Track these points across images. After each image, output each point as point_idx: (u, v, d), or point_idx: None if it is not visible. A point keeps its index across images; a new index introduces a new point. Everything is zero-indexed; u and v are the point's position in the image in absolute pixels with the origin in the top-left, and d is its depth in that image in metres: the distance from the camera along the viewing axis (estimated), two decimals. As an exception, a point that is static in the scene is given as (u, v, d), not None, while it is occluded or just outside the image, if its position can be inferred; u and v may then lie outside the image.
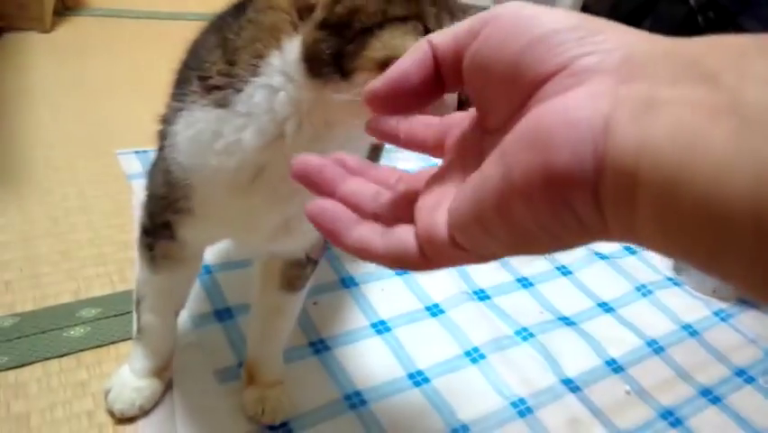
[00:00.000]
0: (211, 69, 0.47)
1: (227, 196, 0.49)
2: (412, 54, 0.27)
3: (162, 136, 0.53)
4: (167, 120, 0.52)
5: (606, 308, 0.95)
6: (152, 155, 0.57)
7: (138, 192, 0.95)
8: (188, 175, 0.50)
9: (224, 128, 0.46)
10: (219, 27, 0.49)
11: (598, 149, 0.19)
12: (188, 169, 0.50)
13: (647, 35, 0.21)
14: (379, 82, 0.27)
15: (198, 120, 0.48)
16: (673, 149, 0.17)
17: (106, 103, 1.22)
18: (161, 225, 0.56)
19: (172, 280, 0.62)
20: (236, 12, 0.49)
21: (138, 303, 0.64)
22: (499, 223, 0.22)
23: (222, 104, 0.46)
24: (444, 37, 0.26)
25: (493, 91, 0.24)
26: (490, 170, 0.22)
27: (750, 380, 0.87)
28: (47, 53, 1.35)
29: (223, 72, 0.46)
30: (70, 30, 1.49)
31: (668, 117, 0.18)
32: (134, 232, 0.88)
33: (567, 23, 0.22)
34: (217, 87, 0.46)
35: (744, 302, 1.03)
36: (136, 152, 1.06)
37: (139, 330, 0.65)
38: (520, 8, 0.23)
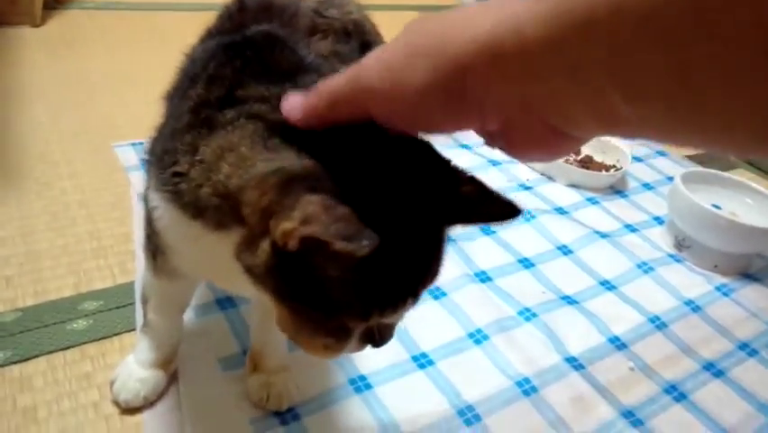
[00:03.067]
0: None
1: (199, 254, 0.48)
2: None
3: (146, 172, 0.52)
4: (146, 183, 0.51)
5: (608, 286, 0.95)
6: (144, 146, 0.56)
7: (136, 184, 0.95)
8: (163, 235, 0.51)
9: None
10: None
11: None
12: (162, 231, 0.50)
13: None
14: None
15: (170, 215, 0.47)
16: None
17: (101, 96, 1.22)
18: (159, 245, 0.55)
19: (176, 287, 0.61)
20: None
21: (144, 302, 0.64)
22: None
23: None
24: None
25: None
26: None
27: (753, 353, 0.87)
28: (39, 48, 1.35)
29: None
30: (61, 23, 1.48)
31: None
32: (134, 225, 0.88)
33: None
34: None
35: (745, 276, 1.04)
36: (133, 144, 1.05)
37: (145, 324, 0.65)
38: None
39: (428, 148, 0.41)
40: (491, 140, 0.36)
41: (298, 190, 0.34)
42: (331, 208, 0.32)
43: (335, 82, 0.36)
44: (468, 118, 0.32)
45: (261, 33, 0.50)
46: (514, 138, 0.33)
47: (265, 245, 0.37)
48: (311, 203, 0.33)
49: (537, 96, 0.29)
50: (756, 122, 0.22)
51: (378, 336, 0.44)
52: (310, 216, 0.33)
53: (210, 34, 0.61)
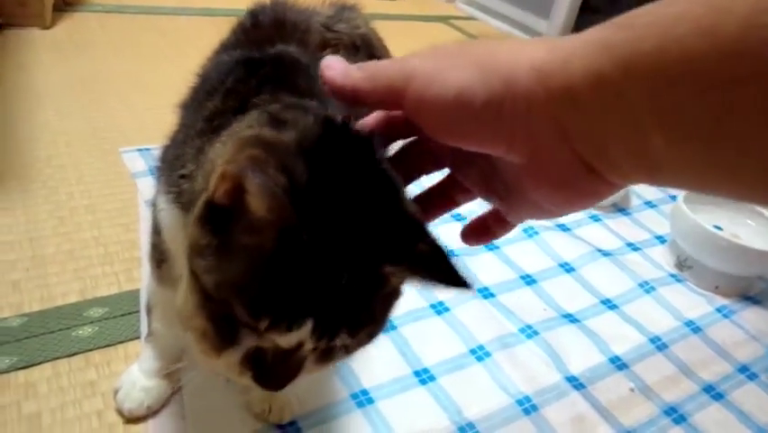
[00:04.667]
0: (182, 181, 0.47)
1: None
2: None
3: (156, 178, 0.54)
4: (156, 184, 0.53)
5: (609, 305, 0.96)
6: (157, 154, 0.57)
7: (143, 190, 0.96)
8: (165, 239, 0.52)
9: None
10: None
11: None
12: (164, 233, 0.52)
13: None
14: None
15: (171, 215, 0.49)
16: None
17: (109, 99, 1.22)
18: (164, 252, 0.56)
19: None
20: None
21: (149, 311, 0.64)
22: None
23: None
24: None
25: None
26: None
27: (752, 376, 0.88)
28: (48, 50, 1.35)
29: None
30: (71, 26, 1.49)
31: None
32: (140, 232, 0.88)
33: None
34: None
35: (746, 298, 1.04)
36: (140, 150, 1.06)
37: (150, 333, 0.65)
38: None
39: (410, 203, 0.39)
40: (501, 191, 0.36)
41: (252, 147, 0.34)
42: (264, 164, 0.32)
43: (381, 61, 0.35)
44: (495, 137, 0.31)
45: (281, 53, 0.51)
46: (535, 172, 0.32)
47: (203, 197, 0.36)
48: (250, 152, 0.32)
49: (576, 129, 0.28)
50: None
51: (270, 364, 0.38)
52: (236, 159, 0.32)
53: (224, 47, 0.62)
